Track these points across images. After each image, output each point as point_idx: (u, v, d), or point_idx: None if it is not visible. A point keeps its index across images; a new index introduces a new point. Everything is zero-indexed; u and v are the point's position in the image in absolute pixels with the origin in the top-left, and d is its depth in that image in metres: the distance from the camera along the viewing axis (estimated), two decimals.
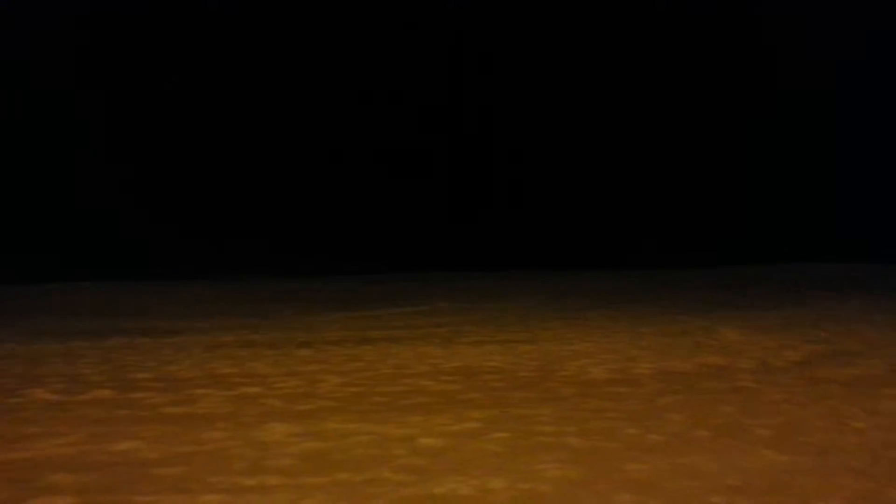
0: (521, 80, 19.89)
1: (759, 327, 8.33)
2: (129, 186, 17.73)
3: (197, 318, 10.10)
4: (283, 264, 16.86)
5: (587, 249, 17.84)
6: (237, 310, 11.20)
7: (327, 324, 9.32)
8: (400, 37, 19.12)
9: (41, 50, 17.17)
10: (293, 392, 5.43)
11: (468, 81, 20.02)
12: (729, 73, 19.55)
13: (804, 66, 18.70)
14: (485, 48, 19.85)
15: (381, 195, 19.10)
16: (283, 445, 4.09)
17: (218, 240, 17.64)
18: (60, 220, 17.14)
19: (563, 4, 19.67)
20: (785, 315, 9.36)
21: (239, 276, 15.34)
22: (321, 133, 18.92)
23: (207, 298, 12.81)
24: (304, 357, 6.87)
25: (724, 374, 5.98)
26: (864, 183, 19.20)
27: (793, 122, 19.27)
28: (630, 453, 4.00)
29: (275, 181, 18.75)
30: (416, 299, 11.50)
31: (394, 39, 19.08)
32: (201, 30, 18.41)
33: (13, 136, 16.97)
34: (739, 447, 4.09)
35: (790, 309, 9.83)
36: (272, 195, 18.73)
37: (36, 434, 4.31)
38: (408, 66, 19.29)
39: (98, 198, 17.35)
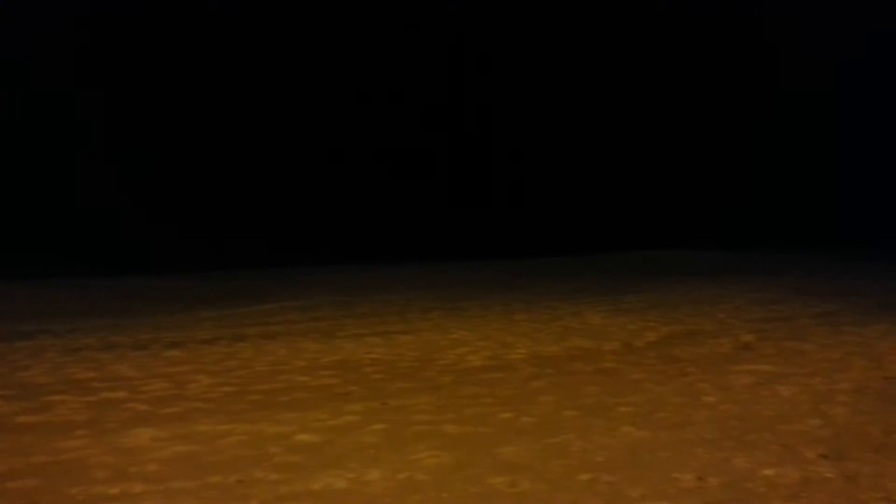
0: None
1: (624, 311, 8.82)
2: None
3: (54, 320, 9.39)
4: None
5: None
6: (100, 309, 10.51)
7: (198, 322, 8.95)
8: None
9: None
10: (160, 395, 5.18)
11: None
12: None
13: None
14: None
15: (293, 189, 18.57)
16: (148, 451, 3.90)
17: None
18: None
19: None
20: (648, 299, 9.94)
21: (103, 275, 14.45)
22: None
23: (65, 298, 11.93)
24: (172, 358, 6.56)
25: (590, 356, 6.30)
26: (717, 172, 20.35)
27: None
28: (504, 436, 4.14)
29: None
30: (294, 294, 11.28)
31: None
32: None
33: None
34: (604, 425, 4.33)
35: (653, 293, 10.44)
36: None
37: None
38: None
39: None
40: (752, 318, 7.81)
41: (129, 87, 17.59)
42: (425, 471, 3.58)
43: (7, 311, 10.36)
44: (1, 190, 16.16)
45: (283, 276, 13.36)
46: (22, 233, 15.81)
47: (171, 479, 3.48)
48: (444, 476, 3.52)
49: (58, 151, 16.99)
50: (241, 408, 4.76)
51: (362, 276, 13.36)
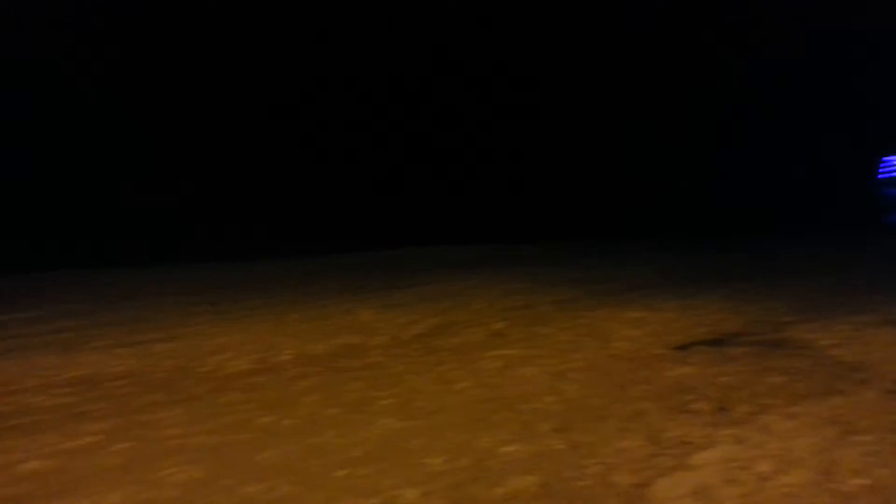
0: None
1: (392, 305, 9.08)
2: None
3: None
4: None
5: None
6: None
7: None
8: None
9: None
10: None
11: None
12: None
13: None
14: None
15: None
16: None
17: None
18: None
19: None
20: (418, 293, 10.31)
21: None
22: None
23: None
24: None
25: (357, 351, 6.42)
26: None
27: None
28: (262, 441, 4.08)
29: None
30: (29, 301, 10.01)
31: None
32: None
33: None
34: (364, 420, 4.45)
35: (422, 287, 10.84)
36: None
37: None
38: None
39: None
40: (503, 306, 8.47)
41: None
42: (173, 487, 3.41)
43: None
44: None
45: (15, 282, 11.79)
46: None
47: None
48: (193, 491, 3.38)
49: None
50: None
51: (109, 279, 12.23)
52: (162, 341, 7.10)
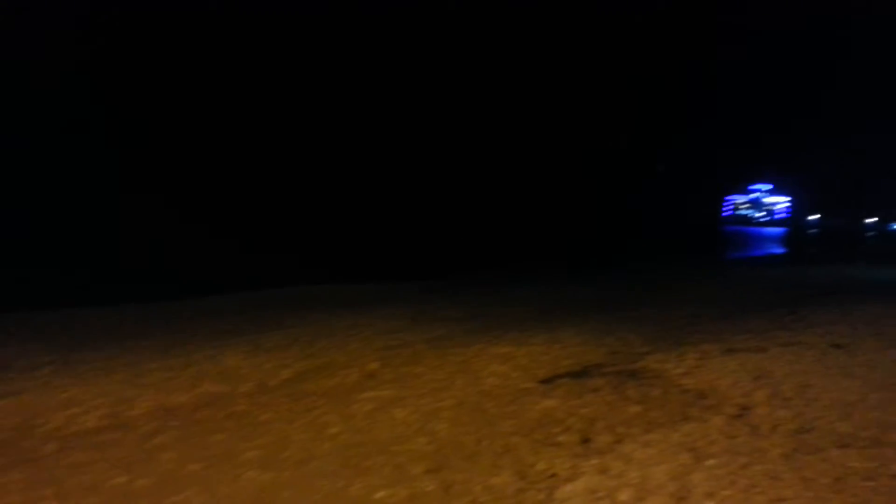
0: None
1: (262, 349, 8.76)
2: None
3: None
4: None
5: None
6: None
7: None
8: None
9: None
10: None
11: None
12: None
13: None
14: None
15: None
16: None
17: None
18: None
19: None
20: (289, 335, 10.01)
21: None
22: None
23: None
24: None
25: (221, 401, 6.11)
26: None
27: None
28: None
29: None
30: None
31: None
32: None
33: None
34: (229, 473, 4.23)
35: (295, 328, 10.55)
36: None
37: None
38: None
39: None
40: (378, 346, 8.42)
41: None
42: None
43: None
44: None
45: None
46: None
47: None
48: None
49: None
50: None
51: None
52: (2, 396, 6.44)
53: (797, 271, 18.84)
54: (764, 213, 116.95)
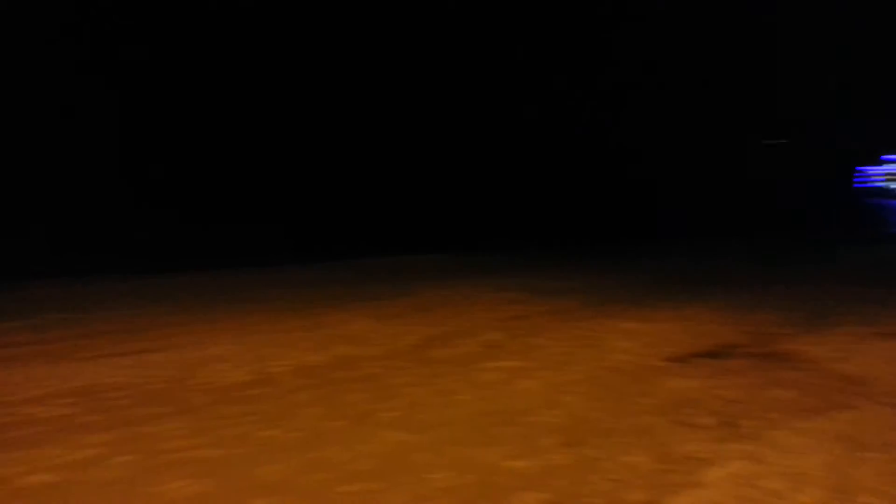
0: None
1: (385, 315, 9.03)
2: None
3: None
4: None
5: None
6: None
7: None
8: None
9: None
10: None
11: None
12: None
13: None
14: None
15: None
16: None
17: None
18: None
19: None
20: (411, 303, 10.26)
21: None
22: None
23: None
24: None
25: (355, 362, 6.36)
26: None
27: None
28: (265, 456, 4.03)
29: None
30: (21, 311, 9.85)
31: None
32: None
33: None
34: (368, 433, 4.41)
35: (416, 297, 10.79)
36: None
37: None
38: None
39: None
40: (498, 316, 8.46)
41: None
42: (178, 502, 3.36)
43: None
44: None
45: (2, 290, 11.60)
46: None
47: None
48: None
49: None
50: None
51: (96, 289, 12.07)
52: (158, 351, 7.01)
53: None
54: None
